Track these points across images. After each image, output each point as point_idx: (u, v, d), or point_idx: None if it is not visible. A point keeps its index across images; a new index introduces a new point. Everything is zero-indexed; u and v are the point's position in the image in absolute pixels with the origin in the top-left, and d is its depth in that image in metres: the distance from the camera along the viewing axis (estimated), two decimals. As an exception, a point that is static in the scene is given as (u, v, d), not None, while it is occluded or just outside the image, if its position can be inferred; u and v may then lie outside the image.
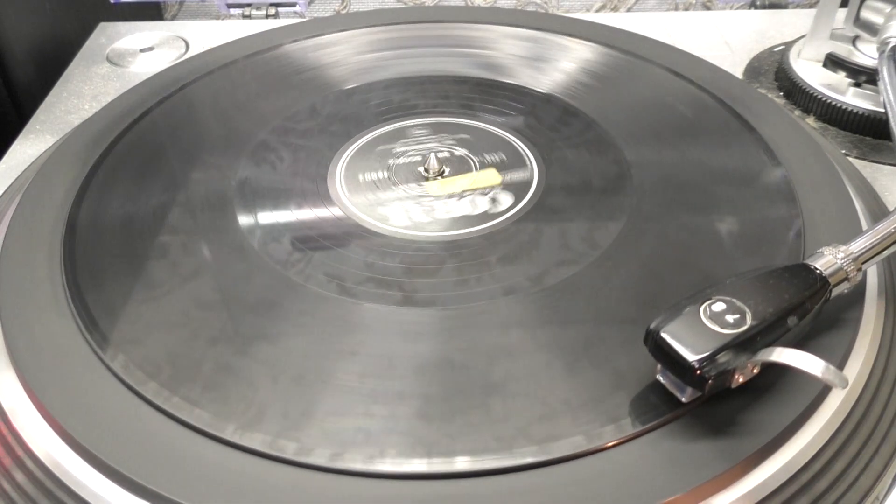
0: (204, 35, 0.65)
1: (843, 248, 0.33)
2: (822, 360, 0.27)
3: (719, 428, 0.30)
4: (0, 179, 0.49)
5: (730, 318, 0.30)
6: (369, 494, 0.29)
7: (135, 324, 0.35)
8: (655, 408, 0.31)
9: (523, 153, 0.46)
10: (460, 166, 0.45)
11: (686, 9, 0.99)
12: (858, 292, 0.36)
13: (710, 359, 0.28)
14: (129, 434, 0.31)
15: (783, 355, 0.28)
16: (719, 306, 0.30)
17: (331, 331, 0.35)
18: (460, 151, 0.47)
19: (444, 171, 0.45)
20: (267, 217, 0.42)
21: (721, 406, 0.31)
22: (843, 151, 0.51)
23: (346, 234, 0.41)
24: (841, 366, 0.34)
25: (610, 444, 0.30)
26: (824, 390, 0.32)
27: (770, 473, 0.30)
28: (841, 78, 0.54)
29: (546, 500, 0.28)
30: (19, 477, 0.31)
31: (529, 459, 0.29)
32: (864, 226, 0.40)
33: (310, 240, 0.40)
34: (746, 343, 0.29)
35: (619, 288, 0.37)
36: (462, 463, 0.29)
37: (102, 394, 0.32)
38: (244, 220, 0.41)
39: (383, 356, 0.34)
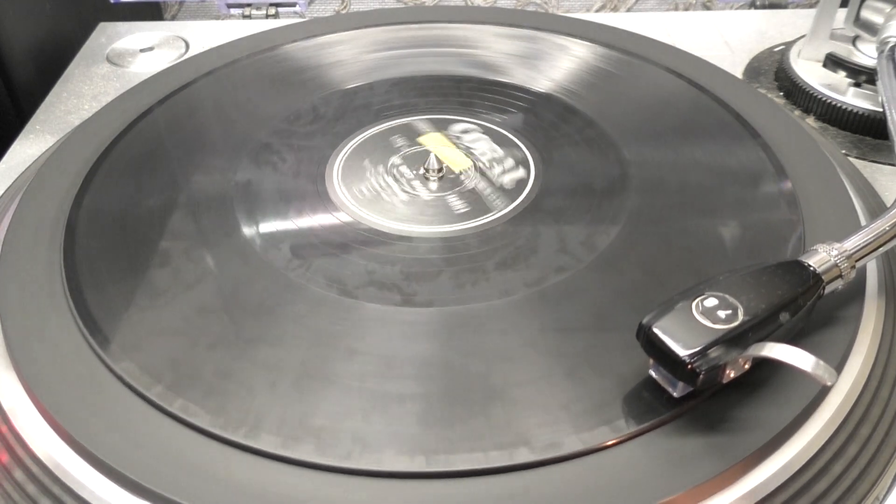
0: (204, 35, 0.65)
1: (837, 245, 0.34)
2: (812, 356, 0.27)
3: (718, 428, 0.30)
4: (0, 179, 0.49)
5: (721, 314, 0.30)
6: (369, 494, 0.29)
7: (135, 323, 0.35)
8: (653, 408, 0.31)
9: (522, 153, 0.46)
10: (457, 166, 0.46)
11: (686, 9, 0.99)
12: (858, 290, 0.37)
13: (701, 353, 0.29)
14: (129, 434, 0.31)
15: (774, 350, 0.28)
16: (711, 302, 0.30)
17: (331, 332, 0.35)
18: (460, 151, 0.47)
19: (442, 171, 0.45)
20: (267, 218, 0.42)
21: (719, 405, 0.31)
22: (843, 151, 0.51)
23: (346, 236, 0.41)
24: (841, 364, 0.34)
25: (608, 444, 0.30)
26: (824, 389, 0.32)
27: (770, 473, 0.30)
28: (841, 78, 0.54)
29: (545, 501, 0.28)
30: (19, 477, 0.31)
31: (529, 459, 0.29)
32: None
33: (310, 241, 0.40)
34: (738, 338, 0.29)
35: (617, 288, 0.37)
36: (462, 463, 0.29)
37: (102, 394, 0.32)
38: (244, 221, 0.41)
39: (384, 357, 0.34)
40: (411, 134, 0.48)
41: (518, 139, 0.47)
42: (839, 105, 0.53)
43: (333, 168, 0.45)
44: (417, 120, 0.49)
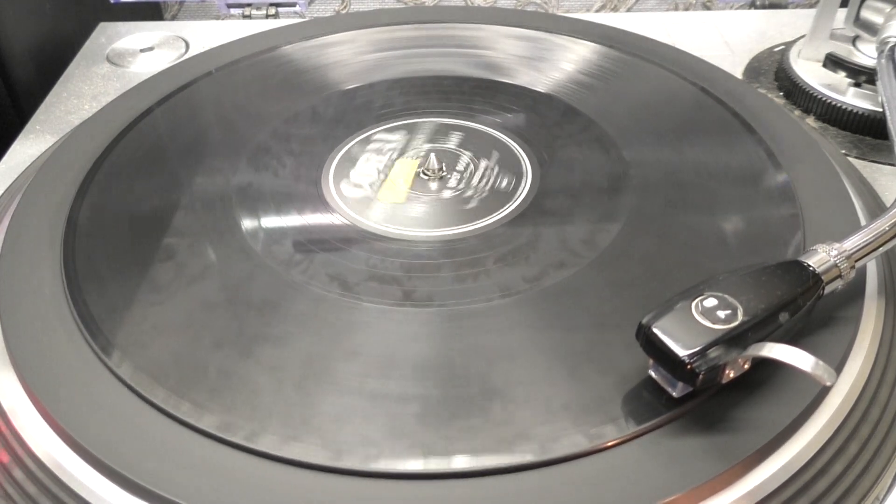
0: (204, 35, 0.65)
1: (836, 245, 0.34)
2: (812, 356, 0.27)
3: (719, 428, 0.30)
4: (0, 179, 0.49)
5: (721, 314, 0.30)
6: (371, 495, 0.29)
7: (134, 324, 0.35)
8: (654, 408, 0.31)
9: (523, 153, 0.46)
10: (457, 166, 0.46)
11: (686, 9, 0.99)
12: (858, 290, 0.37)
13: (701, 354, 0.29)
14: (128, 434, 0.31)
15: (773, 351, 0.28)
16: (711, 302, 0.30)
17: (333, 331, 0.35)
18: (460, 151, 0.47)
19: (443, 171, 0.45)
20: (267, 218, 0.42)
21: (719, 406, 0.31)
22: (843, 151, 0.51)
23: (346, 236, 0.41)
24: (841, 364, 0.34)
25: (609, 444, 0.30)
26: (824, 390, 0.32)
27: (770, 473, 0.30)
28: (841, 78, 0.54)
29: (545, 501, 0.28)
30: (20, 477, 0.31)
31: (529, 459, 0.29)
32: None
33: (311, 241, 0.40)
34: (737, 338, 0.29)
35: (618, 288, 0.37)
36: (462, 463, 0.29)
37: (102, 394, 0.32)
38: (244, 220, 0.41)
39: (385, 357, 0.34)
40: (413, 135, 0.48)
41: (518, 139, 0.47)
42: (839, 105, 0.53)
43: (333, 168, 0.45)
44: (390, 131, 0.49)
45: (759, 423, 0.31)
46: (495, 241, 0.40)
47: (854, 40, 0.56)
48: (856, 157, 0.50)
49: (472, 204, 0.43)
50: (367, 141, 0.48)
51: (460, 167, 0.45)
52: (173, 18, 0.96)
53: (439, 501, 0.29)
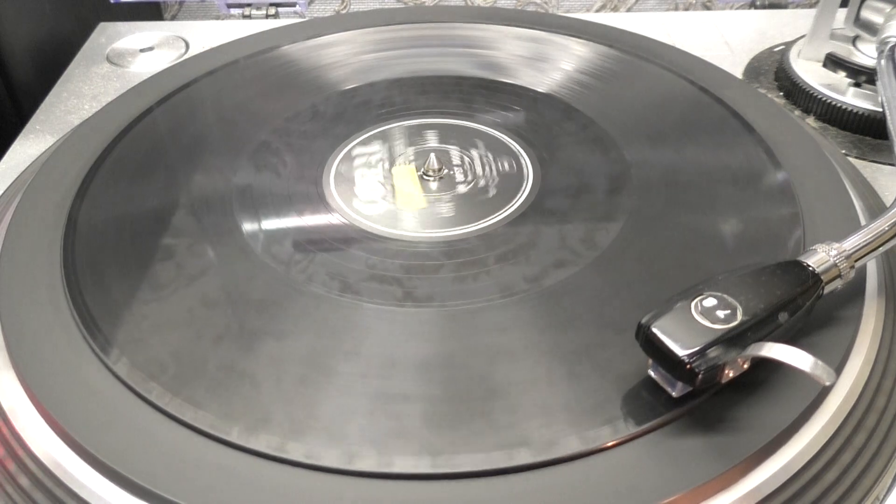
0: (204, 35, 0.65)
1: (836, 245, 0.34)
2: (811, 356, 0.27)
3: (719, 428, 0.30)
4: (0, 179, 0.49)
5: (720, 314, 0.30)
6: (370, 495, 0.29)
7: (134, 324, 0.35)
8: (655, 408, 0.31)
9: (523, 153, 0.46)
10: (459, 165, 0.46)
11: (686, 9, 0.99)
12: (858, 290, 0.37)
13: (700, 353, 0.29)
14: (129, 434, 0.31)
15: (772, 350, 0.28)
16: (710, 302, 0.30)
17: (332, 332, 0.35)
18: (460, 151, 0.47)
19: (443, 171, 0.45)
20: (267, 218, 0.42)
21: (719, 406, 0.31)
22: (843, 151, 0.51)
23: (346, 236, 0.41)
24: (841, 364, 0.34)
25: (609, 444, 0.30)
26: (824, 390, 0.32)
27: (770, 473, 0.30)
28: (841, 78, 0.54)
29: (546, 501, 0.28)
30: (19, 477, 0.31)
31: (529, 460, 0.29)
32: (864, 226, 0.40)
33: (310, 240, 0.40)
34: (736, 338, 0.29)
35: (618, 288, 0.37)
36: (461, 463, 0.29)
37: (102, 394, 0.32)
38: (244, 220, 0.41)
39: (385, 357, 0.34)
40: (413, 135, 0.48)
41: (519, 139, 0.47)
42: (839, 105, 0.53)
43: (333, 168, 0.45)
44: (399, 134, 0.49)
45: (759, 423, 0.30)
46: (495, 240, 0.40)
47: (854, 40, 0.56)
48: (856, 157, 0.50)
49: (472, 203, 0.43)
50: (369, 142, 0.48)
51: (460, 167, 0.45)
52: (173, 18, 0.96)
53: (438, 502, 0.29)
